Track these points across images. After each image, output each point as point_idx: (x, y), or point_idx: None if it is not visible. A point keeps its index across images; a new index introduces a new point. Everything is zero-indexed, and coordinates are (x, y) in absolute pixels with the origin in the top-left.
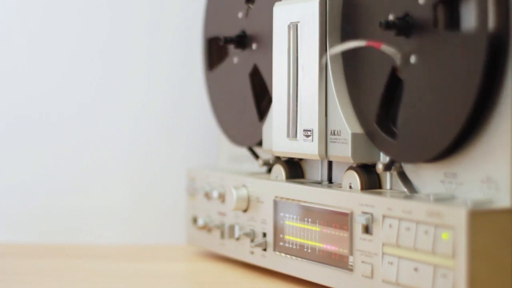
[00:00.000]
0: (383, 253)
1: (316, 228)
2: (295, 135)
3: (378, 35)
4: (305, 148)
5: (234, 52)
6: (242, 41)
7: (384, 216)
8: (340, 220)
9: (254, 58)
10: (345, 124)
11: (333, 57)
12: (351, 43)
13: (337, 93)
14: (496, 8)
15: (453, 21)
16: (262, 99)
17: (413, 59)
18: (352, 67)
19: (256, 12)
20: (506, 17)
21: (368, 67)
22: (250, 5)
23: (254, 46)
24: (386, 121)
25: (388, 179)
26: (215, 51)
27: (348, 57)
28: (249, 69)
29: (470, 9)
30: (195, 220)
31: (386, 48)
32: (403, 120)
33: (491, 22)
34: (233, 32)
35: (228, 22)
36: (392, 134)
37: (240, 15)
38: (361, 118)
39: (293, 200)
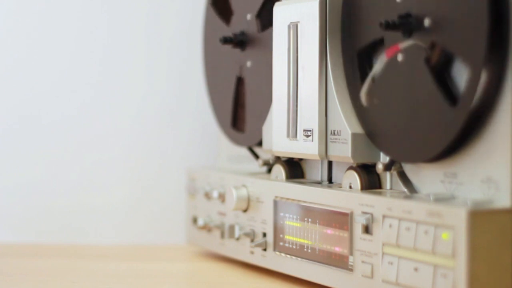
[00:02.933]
0: (383, 253)
1: (316, 228)
2: (295, 135)
3: (378, 34)
4: (305, 148)
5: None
6: (242, 41)
7: (384, 216)
8: (340, 220)
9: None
10: (345, 124)
11: (333, 57)
12: (377, 66)
13: (337, 93)
14: None
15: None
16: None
17: (400, 57)
18: (352, 67)
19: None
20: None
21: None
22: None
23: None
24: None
25: (388, 179)
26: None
27: (348, 56)
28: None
29: None
30: (195, 220)
31: (405, 44)
32: (403, 120)
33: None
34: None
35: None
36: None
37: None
38: (361, 118)
39: (293, 200)
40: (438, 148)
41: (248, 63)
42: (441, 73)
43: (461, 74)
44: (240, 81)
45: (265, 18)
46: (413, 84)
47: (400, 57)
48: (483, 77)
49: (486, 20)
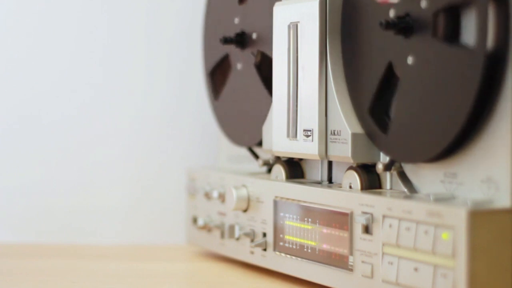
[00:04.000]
0: (383, 253)
1: (316, 228)
2: (295, 135)
3: (378, 35)
4: (305, 148)
5: (235, 57)
6: (242, 40)
7: (384, 216)
8: (340, 220)
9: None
10: (345, 124)
11: (333, 57)
12: None
13: (337, 93)
14: (496, 20)
15: (453, 27)
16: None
17: (410, 60)
18: (352, 67)
19: (253, 11)
20: (506, 28)
21: (368, 67)
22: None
23: (254, 36)
24: (384, 119)
25: (388, 179)
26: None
27: (348, 56)
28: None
29: (471, 19)
30: (195, 220)
31: None
32: (402, 120)
33: (491, 32)
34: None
35: (227, 24)
36: (385, 129)
37: (236, 20)
38: (361, 118)
39: (293, 200)
40: (438, 148)
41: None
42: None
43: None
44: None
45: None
46: (418, 83)
47: (410, 60)
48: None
49: None
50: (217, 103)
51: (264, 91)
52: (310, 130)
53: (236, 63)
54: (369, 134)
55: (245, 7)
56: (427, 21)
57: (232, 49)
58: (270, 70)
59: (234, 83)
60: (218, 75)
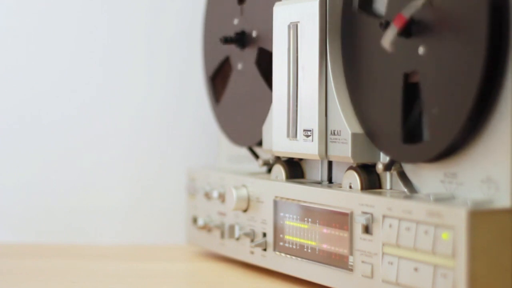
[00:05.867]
0: (383, 253)
1: (316, 228)
2: (295, 135)
3: (378, 35)
4: (305, 148)
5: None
6: (242, 40)
7: (384, 216)
8: (340, 220)
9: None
10: (345, 124)
11: (333, 57)
12: (389, 33)
13: (337, 93)
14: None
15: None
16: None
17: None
18: (352, 67)
19: (252, 10)
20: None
21: (368, 67)
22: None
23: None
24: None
25: (388, 179)
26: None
27: (348, 56)
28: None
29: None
30: (195, 220)
31: (407, 11)
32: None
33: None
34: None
35: (226, 25)
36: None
37: (236, 21)
38: (361, 118)
39: (293, 200)
40: (438, 148)
41: (242, 64)
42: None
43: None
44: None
45: None
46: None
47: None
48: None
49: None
50: (219, 107)
51: (266, 89)
52: (310, 130)
53: (237, 63)
54: (369, 134)
55: (244, 6)
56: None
57: (232, 50)
58: (271, 68)
59: (235, 84)
60: (218, 79)
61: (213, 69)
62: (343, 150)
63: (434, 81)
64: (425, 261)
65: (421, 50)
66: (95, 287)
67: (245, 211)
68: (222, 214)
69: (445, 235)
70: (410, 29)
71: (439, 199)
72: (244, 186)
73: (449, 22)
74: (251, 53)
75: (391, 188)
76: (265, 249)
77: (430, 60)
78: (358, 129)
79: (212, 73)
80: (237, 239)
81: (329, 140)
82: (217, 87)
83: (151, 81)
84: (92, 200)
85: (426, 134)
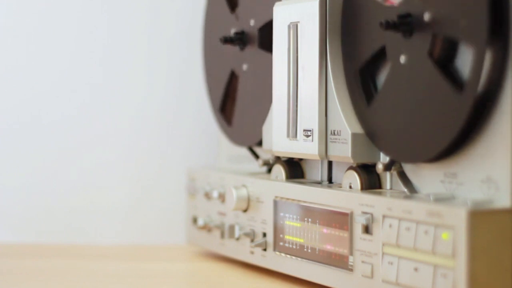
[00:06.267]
0: (383, 253)
1: (316, 228)
2: (295, 135)
3: (378, 35)
4: (305, 148)
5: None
6: (242, 39)
7: (384, 216)
8: (340, 220)
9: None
10: (345, 124)
11: (333, 57)
12: None
13: (337, 93)
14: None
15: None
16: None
17: (403, 59)
18: (352, 67)
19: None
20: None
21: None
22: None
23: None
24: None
25: (388, 179)
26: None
27: (348, 56)
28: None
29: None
30: (195, 220)
31: None
32: (403, 120)
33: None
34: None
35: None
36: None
37: (232, 30)
38: (361, 118)
39: (293, 200)
40: (438, 148)
41: (245, 64)
42: (444, 65)
43: (464, 64)
44: (233, 76)
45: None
46: (417, 82)
47: (403, 59)
48: (487, 59)
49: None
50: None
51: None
52: (310, 130)
53: (242, 65)
54: (369, 134)
55: (237, 13)
56: (426, 35)
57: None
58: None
59: (242, 89)
60: (228, 106)
61: (220, 100)
62: (343, 150)
63: (434, 80)
64: (425, 261)
65: (421, 50)
66: (95, 287)
67: (245, 211)
68: (222, 214)
69: (445, 235)
70: (410, 27)
71: (439, 199)
72: (244, 186)
73: (449, 21)
74: (254, 54)
75: (391, 188)
76: (265, 249)
77: (430, 60)
78: (358, 129)
79: (219, 105)
80: (237, 239)
81: (329, 140)
82: (226, 114)
83: (151, 81)
84: (92, 200)
85: (426, 134)
